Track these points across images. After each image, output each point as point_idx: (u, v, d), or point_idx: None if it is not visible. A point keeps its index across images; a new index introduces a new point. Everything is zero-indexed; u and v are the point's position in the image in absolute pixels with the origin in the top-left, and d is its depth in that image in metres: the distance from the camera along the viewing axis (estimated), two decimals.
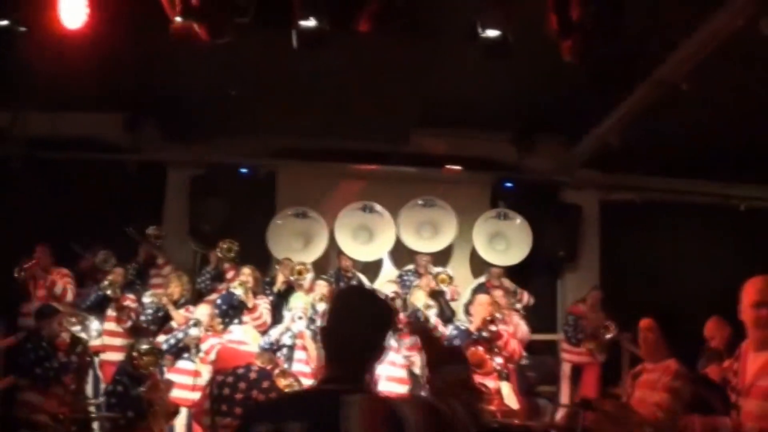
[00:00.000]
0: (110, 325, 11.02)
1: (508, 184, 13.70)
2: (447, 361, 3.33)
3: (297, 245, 12.85)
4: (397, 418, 2.83)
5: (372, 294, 3.46)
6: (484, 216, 13.13)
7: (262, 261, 12.27)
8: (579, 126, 11.68)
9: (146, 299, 10.86)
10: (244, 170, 13.31)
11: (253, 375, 7.32)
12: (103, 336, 10.93)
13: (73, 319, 9.98)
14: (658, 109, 10.08)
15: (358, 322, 3.01)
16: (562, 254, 13.49)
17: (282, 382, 8.29)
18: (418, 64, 9.92)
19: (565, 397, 11.46)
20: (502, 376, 9.77)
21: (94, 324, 10.36)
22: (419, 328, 3.27)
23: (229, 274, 11.55)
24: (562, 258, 13.54)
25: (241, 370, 7.40)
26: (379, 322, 3.11)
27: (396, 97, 10.98)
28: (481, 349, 8.77)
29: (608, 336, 11.48)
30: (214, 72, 10.21)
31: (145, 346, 8.43)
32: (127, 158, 13.03)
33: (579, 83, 9.93)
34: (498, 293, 11.36)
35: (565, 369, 11.77)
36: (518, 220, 13.08)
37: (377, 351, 3.11)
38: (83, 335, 9.78)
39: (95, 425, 10.08)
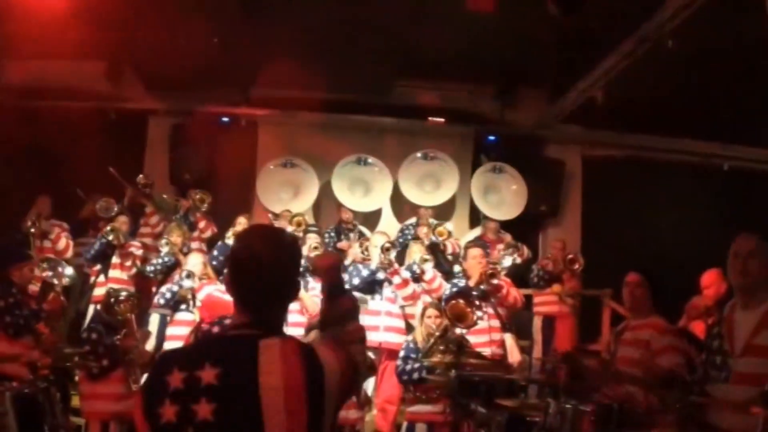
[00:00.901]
0: (115, 272, 10.96)
1: (491, 138, 13.68)
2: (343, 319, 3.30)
3: (286, 195, 12.85)
4: (318, 362, 2.80)
5: (275, 231, 3.33)
6: (480, 169, 13.19)
7: (243, 210, 12.16)
8: (562, 80, 11.63)
9: (163, 249, 10.78)
10: (225, 119, 13.25)
11: None
12: (107, 283, 10.80)
13: (45, 265, 9.93)
14: (642, 66, 10.05)
15: (265, 263, 2.88)
16: (545, 209, 13.52)
17: None
18: (402, 15, 9.85)
19: (537, 351, 11.45)
20: (506, 327, 9.79)
21: (67, 269, 10.31)
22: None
23: (201, 224, 11.52)
24: (544, 212, 13.57)
25: (227, 320, 7.38)
26: (287, 261, 2.99)
27: (379, 48, 10.90)
28: (462, 302, 8.74)
29: (577, 267, 11.51)
30: (195, 21, 10.10)
31: (123, 293, 8.34)
32: (109, 107, 12.93)
33: (563, 37, 9.89)
34: (499, 247, 11.37)
35: (537, 322, 11.74)
36: (512, 179, 13.12)
37: (290, 291, 3.01)
38: (55, 281, 9.72)
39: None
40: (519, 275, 11.34)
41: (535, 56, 10.94)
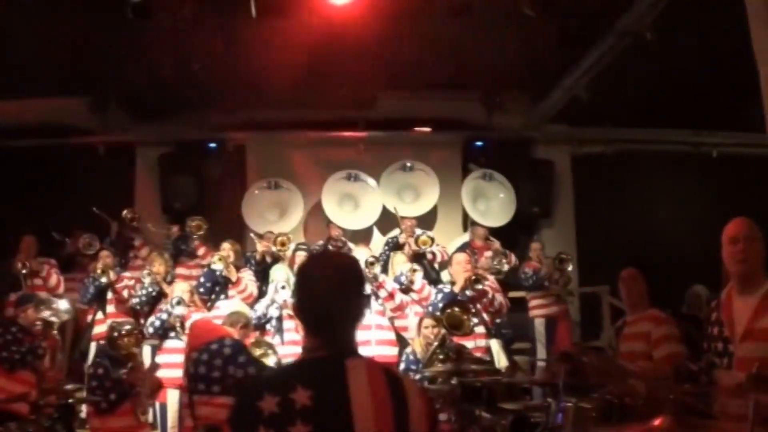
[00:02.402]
0: (111, 308, 11.00)
1: (479, 144, 13.69)
2: None
3: (272, 216, 12.84)
4: (400, 384, 2.88)
5: (334, 256, 3.42)
6: (470, 176, 13.18)
7: (236, 235, 12.16)
8: (546, 81, 11.64)
9: (145, 279, 10.77)
10: (212, 145, 13.27)
11: (227, 350, 7.25)
12: (107, 320, 10.79)
13: (43, 306, 9.92)
14: (624, 60, 10.07)
15: (328, 288, 2.93)
16: (537, 211, 13.51)
17: (257, 352, 8.25)
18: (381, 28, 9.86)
19: (540, 354, 11.43)
20: (491, 333, 9.79)
21: (62, 304, 10.29)
22: None
23: (200, 251, 11.49)
24: (536, 214, 13.56)
25: (214, 346, 7.33)
26: (352, 283, 3.04)
27: (361, 62, 10.90)
28: (457, 310, 8.74)
29: (569, 268, 11.49)
30: (176, 48, 10.12)
31: (126, 327, 8.34)
32: (95, 141, 12.92)
33: (543, 38, 9.89)
34: (488, 254, 11.37)
35: (538, 326, 11.70)
36: (501, 187, 13.12)
37: (357, 312, 3.04)
38: (54, 319, 9.70)
39: (84, 408, 10.09)
40: (505, 280, 11.35)
41: (517, 58, 10.93)
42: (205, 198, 12.87)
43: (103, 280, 10.80)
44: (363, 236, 12.99)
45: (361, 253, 10.49)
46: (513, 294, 11.64)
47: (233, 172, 13.27)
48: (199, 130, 13.15)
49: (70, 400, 7.90)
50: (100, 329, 10.87)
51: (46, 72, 10.51)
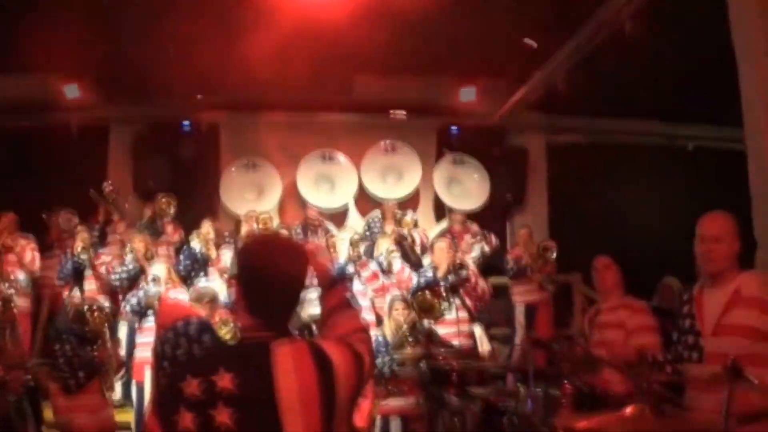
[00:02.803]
0: (90, 285, 10.99)
1: (453, 130, 13.67)
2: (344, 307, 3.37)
3: (250, 196, 12.85)
4: (328, 361, 2.86)
5: (282, 239, 3.41)
6: (442, 161, 13.26)
7: (209, 213, 12.13)
8: (523, 68, 11.61)
9: (127, 256, 10.71)
10: (186, 124, 13.19)
11: (192, 330, 7.21)
12: (84, 297, 10.82)
13: (5, 283, 9.83)
14: (602, 50, 10.06)
15: (274, 269, 2.96)
16: (510, 198, 13.54)
17: (223, 330, 8.22)
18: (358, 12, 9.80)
19: (519, 339, 11.47)
20: (474, 318, 9.81)
21: (20, 276, 10.22)
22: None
23: (168, 229, 11.47)
24: (510, 201, 13.60)
25: (180, 324, 7.33)
26: (298, 267, 3.06)
27: (337, 45, 10.85)
28: (428, 294, 8.75)
29: (553, 256, 11.50)
30: (151, 27, 10.04)
31: (94, 305, 8.27)
32: (68, 119, 12.81)
33: (521, 25, 9.88)
34: (466, 237, 11.38)
35: (518, 312, 11.74)
36: (474, 169, 13.17)
37: (296, 297, 3.07)
38: (11, 291, 9.63)
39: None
40: (488, 265, 11.36)
41: (495, 45, 10.90)
42: (178, 177, 12.77)
43: (83, 257, 10.76)
44: (339, 217, 13.00)
45: (346, 234, 10.52)
46: (496, 280, 11.68)
47: (207, 152, 13.23)
48: (172, 110, 13.07)
49: (35, 377, 7.87)
50: None
51: (20, 49, 10.39)
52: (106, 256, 11.07)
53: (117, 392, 9.10)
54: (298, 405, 2.72)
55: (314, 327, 8.59)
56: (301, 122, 13.46)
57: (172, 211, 11.55)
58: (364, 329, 3.31)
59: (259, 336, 2.87)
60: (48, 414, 8.77)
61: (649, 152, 13.74)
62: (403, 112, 13.35)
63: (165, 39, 10.48)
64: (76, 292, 10.89)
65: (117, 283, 10.62)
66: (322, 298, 3.44)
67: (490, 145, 13.67)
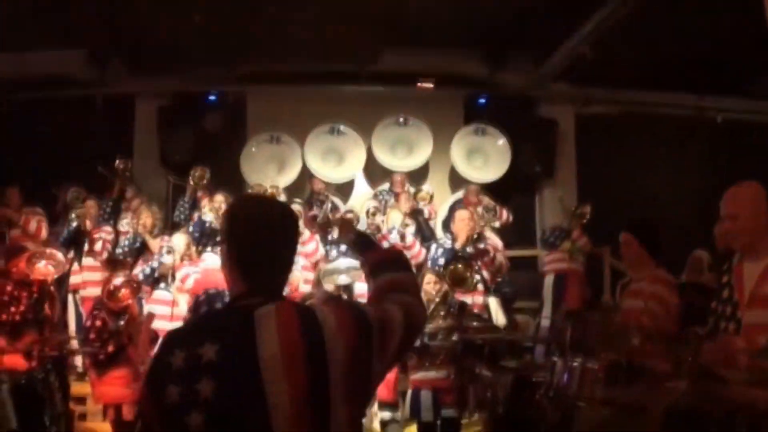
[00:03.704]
0: (88, 260, 10.93)
1: (482, 100, 13.58)
2: (387, 268, 3.19)
3: (271, 170, 12.79)
4: (316, 322, 2.73)
5: (272, 200, 3.32)
6: (461, 131, 13.08)
7: (235, 187, 12.13)
8: (552, 39, 11.50)
9: (123, 227, 10.72)
10: (212, 97, 13.15)
11: (202, 298, 7.30)
12: (83, 272, 10.89)
13: (37, 256, 9.80)
14: (632, 20, 9.94)
15: (265, 228, 2.86)
16: (539, 169, 13.44)
17: None
18: None
19: (548, 310, 11.41)
20: (490, 291, 9.76)
21: (59, 255, 10.22)
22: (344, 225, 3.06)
23: (203, 201, 11.43)
24: (539, 173, 13.49)
25: (221, 288, 7.38)
26: (287, 227, 2.98)
27: (365, 15, 10.78)
28: (460, 266, 8.71)
29: (585, 219, 11.47)
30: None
31: (120, 279, 8.27)
32: (94, 93, 12.83)
33: None
34: (478, 210, 11.30)
35: (548, 283, 11.66)
36: (497, 135, 13.02)
37: (289, 258, 2.97)
38: (50, 268, 9.61)
39: (78, 361, 10.04)
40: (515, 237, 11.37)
41: (523, 15, 10.80)
42: (204, 151, 12.75)
43: (74, 225, 10.75)
44: (347, 190, 12.99)
45: (367, 205, 10.48)
46: (523, 252, 11.61)
47: (233, 124, 13.20)
48: (199, 82, 13.01)
49: (66, 351, 7.90)
50: (75, 279, 10.97)
51: (45, 24, 10.38)
52: (107, 234, 11.01)
53: None
54: (282, 368, 2.61)
55: (344, 297, 8.57)
56: (327, 93, 13.37)
57: (204, 182, 11.53)
58: (403, 288, 3.11)
59: (246, 303, 2.77)
60: (75, 388, 8.85)
61: (679, 124, 13.59)
62: (431, 84, 13.22)
63: (191, 9, 10.46)
64: (75, 267, 10.93)
65: (121, 257, 10.59)
66: (367, 264, 3.29)
67: (518, 117, 13.54)
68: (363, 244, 3.40)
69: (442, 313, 7.93)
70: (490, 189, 12.53)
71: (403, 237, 10.28)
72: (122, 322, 7.92)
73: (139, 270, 9.81)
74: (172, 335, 2.87)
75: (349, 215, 10.27)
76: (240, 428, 2.60)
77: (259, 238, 2.85)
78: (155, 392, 2.66)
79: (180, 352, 2.65)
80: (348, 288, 10.22)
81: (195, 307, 7.51)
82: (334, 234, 3.62)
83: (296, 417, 2.61)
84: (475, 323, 7.35)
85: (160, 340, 2.83)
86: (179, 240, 10.01)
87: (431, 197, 11.79)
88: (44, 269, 9.15)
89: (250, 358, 2.62)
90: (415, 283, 3.29)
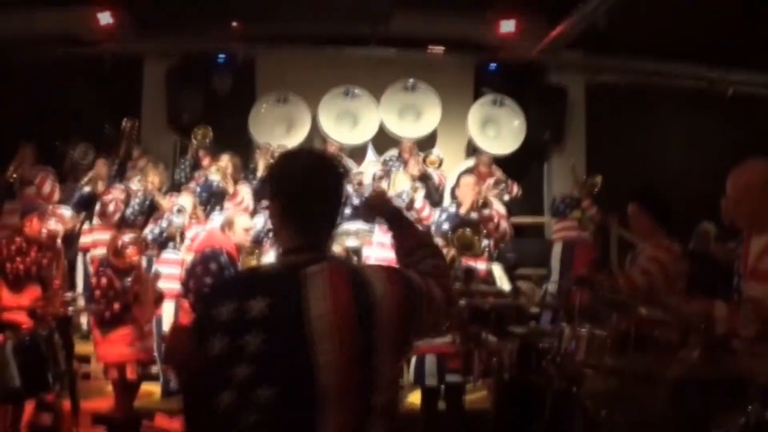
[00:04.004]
0: (98, 221, 10.93)
1: (492, 67, 13.49)
2: (427, 254, 3.23)
3: (279, 131, 12.71)
4: (364, 283, 2.78)
5: (317, 151, 3.33)
6: (480, 101, 13.02)
7: (243, 148, 12.16)
8: (564, 6, 11.42)
9: (133, 186, 10.70)
10: (221, 58, 13.09)
11: (224, 259, 7.28)
12: (93, 232, 10.91)
13: (48, 215, 9.79)
14: None
15: (316, 183, 2.88)
16: (548, 137, 13.37)
17: (252, 262, 8.22)
18: None
19: (555, 278, 11.39)
20: (493, 257, 9.74)
21: (66, 212, 10.19)
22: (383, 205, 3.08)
23: (205, 162, 11.43)
24: (548, 141, 13.43)
25: (217, 248, 7.38)
26: (338, 182, 3.02)
27: None
28: (468, 231, 8.69)
29: (596, 189, 11.47)
30: None
31: (127, 237, 8.25)
32: (102, 52, 12.75)
33: None
34: (489, 181, 11.26)
35: (556, 251, 11.65)
36: (515, 111, 12.95)
37: (335, 215, 3.01)
38: (59, 227, 9.61)
39: (83, 320, 10.05)
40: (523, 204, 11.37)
41: None
42: (212, 111, 12.73)
43: (86, 189, 10.73)
44: (358, 153, 12.91)
45: (370, 168, 10.43)
46: (530, 219, 11.58)
47: (242, 85, 13.15)
48: (207, 42, 12.95)
49: (71, 309, 7.88)
50: (85, 240, 11.03)
51: None
52: (119, 193, 10.98)
53: None
54: (331, 328, 2.66)
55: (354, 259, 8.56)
56: (337, 56, 13.31)
57: (207, 142, 11.48)
58: (444, 274, 3.17)
59: (297, 260, 2.80)
60: (79, 348, 8.85)
61: (689, 95, 13.52)
62: (441, 48, 13.15)
63: None
64: (86, 226, 11.07)
65: (131, 218, 10.59)
66: (399, 236, 3.37)
67: (528, 83, 13.46)
68: (399, 222, 3.41)
69: None
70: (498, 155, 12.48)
71: (412, 201, 10.22)
72: (129, 281, 7.87)
73: (149, 230, 9.78)
74: (220, 287, 2.93)
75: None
76: (285, 383, 2.65)
77: (309, 193, 2.86)
78: (201, 342, 2.69)
79: (229, 303, 2.69)
80: (357, 251, 10.22)
81: (191, 267, 7.51)
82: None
83: (343, 376, 2.67)
84: (481, 288, 7.32)
85: (204, 292, 2.86)
86: (185, 201, 9.98)
87: (441, 162, 11.71)
88: (54, 227, 9.20)
89: (300, 314, 2.68)
90: (448, 271, 3.35)
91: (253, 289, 2.71)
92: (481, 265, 9.28)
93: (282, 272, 2.83)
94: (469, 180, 10.03)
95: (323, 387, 2.63)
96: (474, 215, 9.55)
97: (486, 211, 9.60)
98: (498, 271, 9.81)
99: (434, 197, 11.23)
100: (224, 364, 2.63)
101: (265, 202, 9.82)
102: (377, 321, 2.72)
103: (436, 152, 11.94)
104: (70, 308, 7.75)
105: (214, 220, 10.09)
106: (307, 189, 2.85)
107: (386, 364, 2.76)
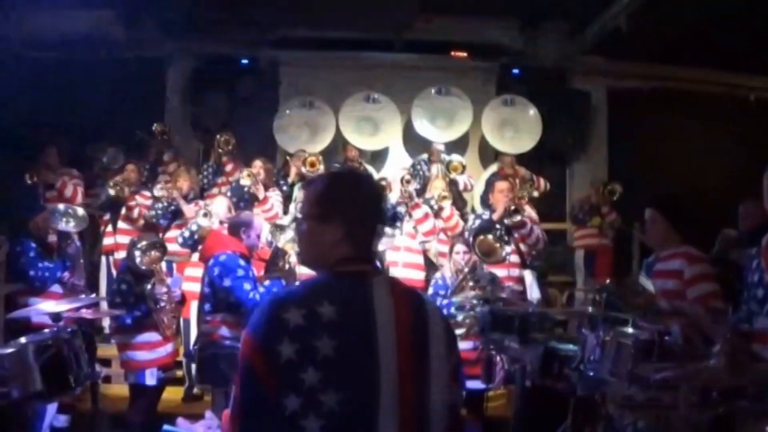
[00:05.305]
0: (122, 224, 11.03)
1: (515, 72, 13.49)
2: None
3: (303, 136, 12.73)
4: (422, 301, 2.95)
5: (366, 176, 3.51)
6: (491, 103, 12.94)
7: (266, 153, 12.14)
8: (587, 11, 11.42)
9: (157, 192, 10.73)
10: (245, 62, 13.13)
11: (243, 261, 7.33)
12: (116, 235, 10.99)
13: (57, 215, 9.76)
14: None
15: (363, 202, 3.00)
16: (571, 142, 13.36)
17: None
18: None
19: (580, 284, 11.41)
20: (525, 264, 9.73)
21: (79, 211, 10.16)
22: None
23: (228, 167, 11.43)
24: (570, 146, 13.41)
25: (231, 252, 7.42)
26: (378, 201, 3.14)
27: None
28: (490, 237, 8.69)
29: (615, 197, 11.46)
30: None
31: (146, 242, 8.24)
32: (127, 55, 12.79)
33: None
34: (514, 182, 11.26)
35: (578, 257, 11.67)
36: (526, 106, 12.88)
37: (378, 230, 3.09)
38: (71, 227, 9.61)
39: (105, 322, 10.07)
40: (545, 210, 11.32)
41: None
42: (235, 115, 12.79)
43: (112, 193, 10.78)
44: (381, 158, 12.96)
45: (399, 174, 10.44)
46: (553, 226, 11.57)
47: (265, 90, 13.17)
48: (232, 47, 12.98)
49: (93, 312, 7.89)
50: (108, 241, 11.14)
51: None
52: (145, 199, 11.06)
53: None
54: (394, 336, 2.77)
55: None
56: (361, 62, 13.35)
57: (230, 148, 11.50)
58: None
59: (361, 269, 2.91)
60: (101, 350, 8.87)
61: (711, 101, 13.48)
62: (464, 53, 13.15)
63: None
64: (110, 229, 11.15)
65: (154, 221, 10.65)
66: None
67: (552, 88, 13.42)
68: None
69: (471, 284, 7.91)
70: (522, 162, 12.47)
71: (441, 209, 10.21)
72: (149, 286, 7.88)
73: (179, 234, 9.76)
74: (284, 295, 2.94)
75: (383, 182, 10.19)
76: (352, 388, 2.70)
77: (367, 212, 3.00)
78: (269, 349, 2.71)
79: (298, 309, 2.73)
80: (379, 255, 10.21)
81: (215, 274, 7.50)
82: None
83: (402, 384, 2.75)
84: (504, 295, 7.31)
85: (267, 300, 2.89)
86: (221, 204, 9.92)
87: (464, 167, 11.71)
88: (64, 227, 9.22)
89: (368, 320, 2.77)
90: None
91: (320, 295, 2.78)
92: (513, 272, 9.28)
93: (345, 280, 2.89)
94: (503, 186, 10.00)
95: (386, 393, 2.71)
96: (507, 221, 9.53)
97: (518, 217, 9.58)
98: (529, 278, 9.81)
99: (458, 204, 11.21)
100: (293, 370, 2.67)
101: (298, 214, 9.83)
102: (430, 346, 2.84)
103: (458, 158, 11.91)
104: (92, 311, 7.75)
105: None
106: (369, 212, 3.01)
107: (442, 375, 2.85)
